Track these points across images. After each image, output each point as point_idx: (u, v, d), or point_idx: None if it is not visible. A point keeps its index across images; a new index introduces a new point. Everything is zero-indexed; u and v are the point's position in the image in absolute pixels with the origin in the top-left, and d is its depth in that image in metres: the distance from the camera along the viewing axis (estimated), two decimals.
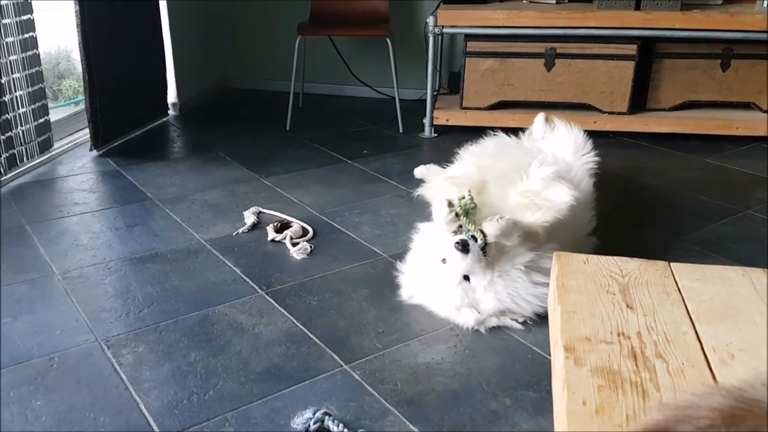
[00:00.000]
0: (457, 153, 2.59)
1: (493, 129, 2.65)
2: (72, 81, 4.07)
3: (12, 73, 2.89)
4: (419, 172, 2.81)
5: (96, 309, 1.98)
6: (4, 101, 2.85)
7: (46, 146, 3.18)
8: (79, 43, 3.09)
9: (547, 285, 1.84)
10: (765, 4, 3.40)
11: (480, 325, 1.88)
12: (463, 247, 1.82)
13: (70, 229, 2.50)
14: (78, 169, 3.12)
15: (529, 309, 1.88)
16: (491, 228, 1.85)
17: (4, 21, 2.81)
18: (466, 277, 1.88)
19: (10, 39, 2.86)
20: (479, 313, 1.89)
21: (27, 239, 2.41)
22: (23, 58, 2.95)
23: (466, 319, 1.89)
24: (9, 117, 2.89)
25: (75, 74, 4.00)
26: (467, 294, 1.88)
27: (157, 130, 3.78)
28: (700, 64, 3.49)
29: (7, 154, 2.90)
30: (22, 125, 2.98)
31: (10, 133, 2.90)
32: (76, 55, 3.53)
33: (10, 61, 2.86)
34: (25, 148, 3.03)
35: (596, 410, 1.02)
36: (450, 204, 1.93)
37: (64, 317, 1.93)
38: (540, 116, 2.73)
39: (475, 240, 1.85)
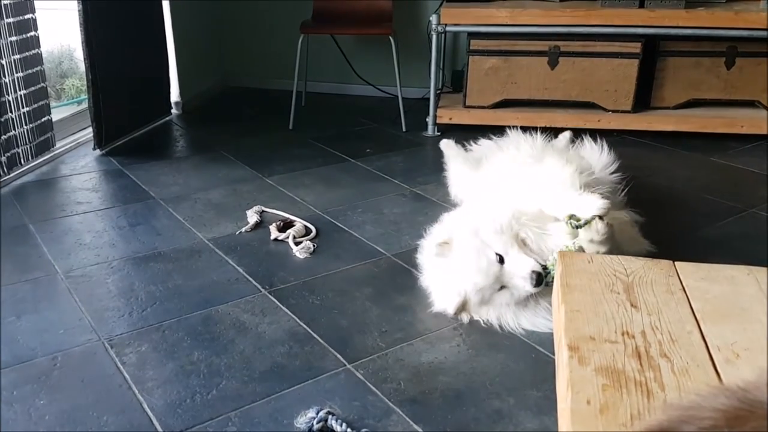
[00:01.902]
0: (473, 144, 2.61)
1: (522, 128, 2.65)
2: (75, 80, 4.07)
3: (13, 73, 2.89)
4: (445, 144, 2.87)
5: (99, 308, 1.98)
6: (5, 101, 2.85)
7: (46, 146, 3.17)
8: (82, 42, 3.09)
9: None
10: None
11: (450, 313, 1.90)
12: (537, 281, 1.80)
13: (73, 228, 2.50)
14: (81, 168, 3.12)
15: (513, 326, 1.87)
16: (593, 235, 1.81)
17: (5, 20, 2.81)
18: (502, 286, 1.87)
19: (11, 39, 2.86)
20: (463, 310, 1.90)
21: (30, 238, 2.41)
22: (24, 57, 2.95)
23: (448, 305, 1.89)
24: (9, 117, 2.89)
25: (78, 73, 4.01)
26: (488, 294, 1.86)
27: (160, 129, 3.78)
28: (705, 62, 3.48)
29: (8, 155, 2.90)
30: (23, 125, 2.98)
31: (10, 134, 2.90)
32: (78, 54, 3.53)
33: (11, 61, 2.87)
34: (27, 149, 3.02)
35: (600, 410, 1.01)
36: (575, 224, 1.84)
37: (68, 316, 1.93)
38: (567, 134, 2.76)
39: (546, 274, 1.82)
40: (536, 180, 2.10)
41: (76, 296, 2.04)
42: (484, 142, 2.69)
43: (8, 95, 2.87)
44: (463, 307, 1.90)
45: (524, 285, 1.82)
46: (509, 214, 1.92)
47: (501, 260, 1.85)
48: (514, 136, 2.56)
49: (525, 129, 2.62)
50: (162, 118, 3.88)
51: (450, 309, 1.90)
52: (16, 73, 2.91)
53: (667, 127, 3.51)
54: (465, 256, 1.88)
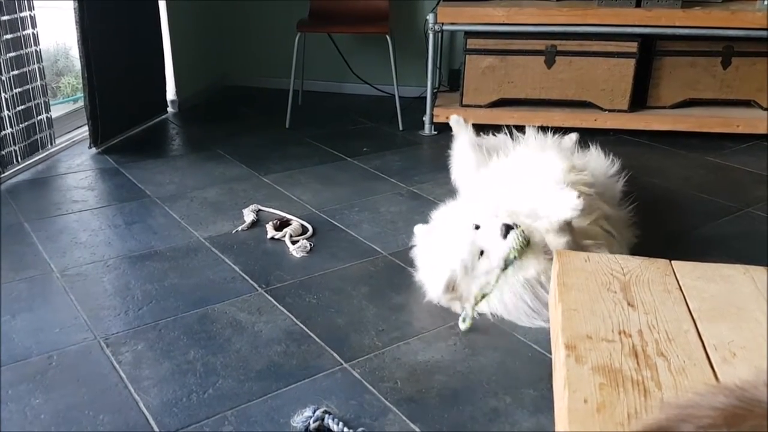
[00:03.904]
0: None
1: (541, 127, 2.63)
2: (70, 78, 4.06)
3: (11, 71, 2.88)
4: (455, 119, 2.82)
5: (95, 307, 1.97)
6: (4, 98, 2.85)
7: (44, 144, 3.17)
8: (78, 40, 3.08)
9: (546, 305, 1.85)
10: (765, 2, 3.39)
11: (438, 300, 1.93)
12: (506, 231, 1.79)
13: (69, 226, 2.50)
14: (77, 166, 3.11)
15: (515, 316, 1.88)
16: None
17: (3, 18, 2.80)
18: (482, 252, 1.86)
19: (9, 36, 2.85)
20: (453, 290, 1.91)
21: (25, 237, 2.40)
22: (23, 54, 2.94)
23: (437, 285, 1.91)
24: (7, 114, 2.88)
25: (74, 71, 3.99)
26: (469, 262, 1.87)
27: (156, 127, 3.77)
28: (701, 61, 3.49)
29: (4, 152, 2.89)
30: (21, 123, 2.97)
31: (6, 132, 2.89)
32: (74, 53, 3.52)
33: (9, 59, 2.86)
34: (25, 145, 3.02)
35: (597, 408, 1.01)
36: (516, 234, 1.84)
37: (63, 315, 1.93)
38: (574, 136, 2.74)
39: (519, 238, 1.80)
40: (528, 171, 2.12)
41: (72, 295, 2.03)
42: (498, 136, 2.67)
43: (4, 93, 2.86)
44: (452, 286, 1.90)
45: (495, 238, 1.82)
46: (500, 204, 1.96)
47: (477, 228, 1.88)
48: (529, 133, 2.55)
49: (540, 128, 2.61)
50: (158, 116, 3.87)
51: (440, 288, 1.91)
52: (12, 71, 2.90)
53: (663, 127, 3.52)
54: (445, 233, 1.95)
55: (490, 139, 2.69)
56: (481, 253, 1.87)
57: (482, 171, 2.40)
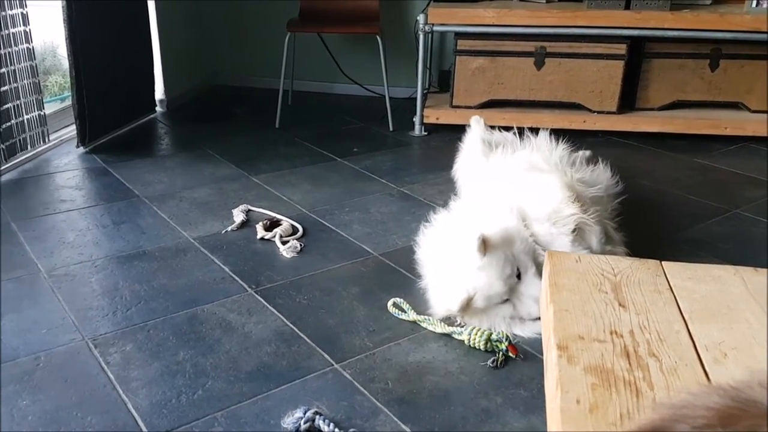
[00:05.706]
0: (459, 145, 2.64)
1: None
2: (57, 77, 4.02)
3: (7, 66, 2.86)
4: (475, 119, 2.79)
5: (83, 307, 1.95)
6: (5, 90, 2.84)
7: (41, 139, 3.16)
8: (66, 39, 3.05)
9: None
10: (754, 5, 3.42)
11: (454, 310, 1.87)
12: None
13: (57, 226, 2.47)
14: (64, 165, 3.08)
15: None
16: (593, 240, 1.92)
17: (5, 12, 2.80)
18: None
19: (5, 32, 2.83)
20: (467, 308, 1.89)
21: (12, 237, 2.38)
22: (19, 51, 2.92)
23: (454, 301, 1.84)
24: (10, 107, 2.88)
25: (61, 70, 3.96)
26: (494, 301, 1.87)
27: (144, 126, 3.74)
28: (689, 63, 3.51)
29: (7, 144, 2.89)
30: (17, 118, 2.97)
31: (10, 123, 2.90)
32: (62, 51, 3.49)
33: (5, 54, 2.84)
34: (21, 139, 3.01)
35: (590, 409, 1.01)
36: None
37: (51, 316, 1.91)
38: (586, 153, 2.70)
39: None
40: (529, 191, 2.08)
41: (60, 295, 2.01)
42: (508, 135, 2.63)
43: (8, 84, 2.86)
44: (466, 305, 1.83)
45: (532, 307, 1.83)
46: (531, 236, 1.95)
47: (518, 276, 1.87)
48: (541, 138, 2.51)
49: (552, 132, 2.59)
50: (146, 115, 3.85)
51: (455, 305, 1.82)
52: (15, 64, 2.89)
53: (651, 128, 3.54)
54: (492, 261, 1.83)
55: (498, 135, 2.66)
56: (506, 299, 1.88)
57: (488, 165, 2.38)
